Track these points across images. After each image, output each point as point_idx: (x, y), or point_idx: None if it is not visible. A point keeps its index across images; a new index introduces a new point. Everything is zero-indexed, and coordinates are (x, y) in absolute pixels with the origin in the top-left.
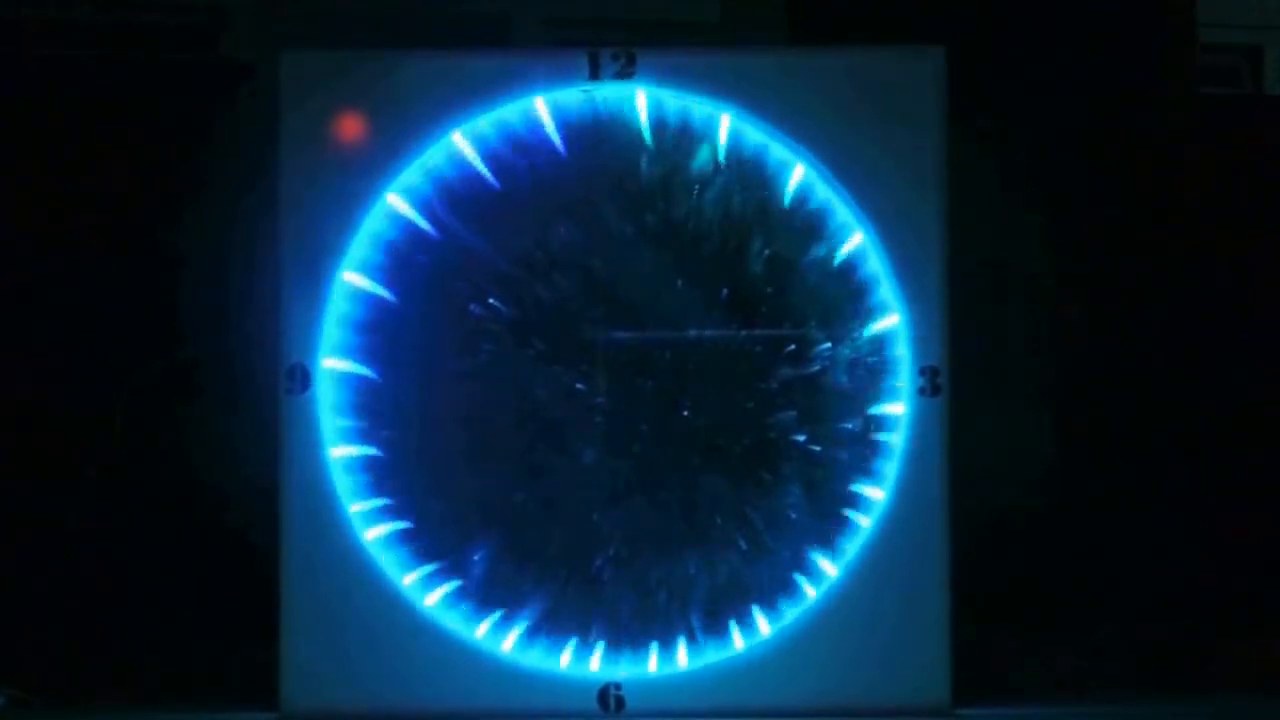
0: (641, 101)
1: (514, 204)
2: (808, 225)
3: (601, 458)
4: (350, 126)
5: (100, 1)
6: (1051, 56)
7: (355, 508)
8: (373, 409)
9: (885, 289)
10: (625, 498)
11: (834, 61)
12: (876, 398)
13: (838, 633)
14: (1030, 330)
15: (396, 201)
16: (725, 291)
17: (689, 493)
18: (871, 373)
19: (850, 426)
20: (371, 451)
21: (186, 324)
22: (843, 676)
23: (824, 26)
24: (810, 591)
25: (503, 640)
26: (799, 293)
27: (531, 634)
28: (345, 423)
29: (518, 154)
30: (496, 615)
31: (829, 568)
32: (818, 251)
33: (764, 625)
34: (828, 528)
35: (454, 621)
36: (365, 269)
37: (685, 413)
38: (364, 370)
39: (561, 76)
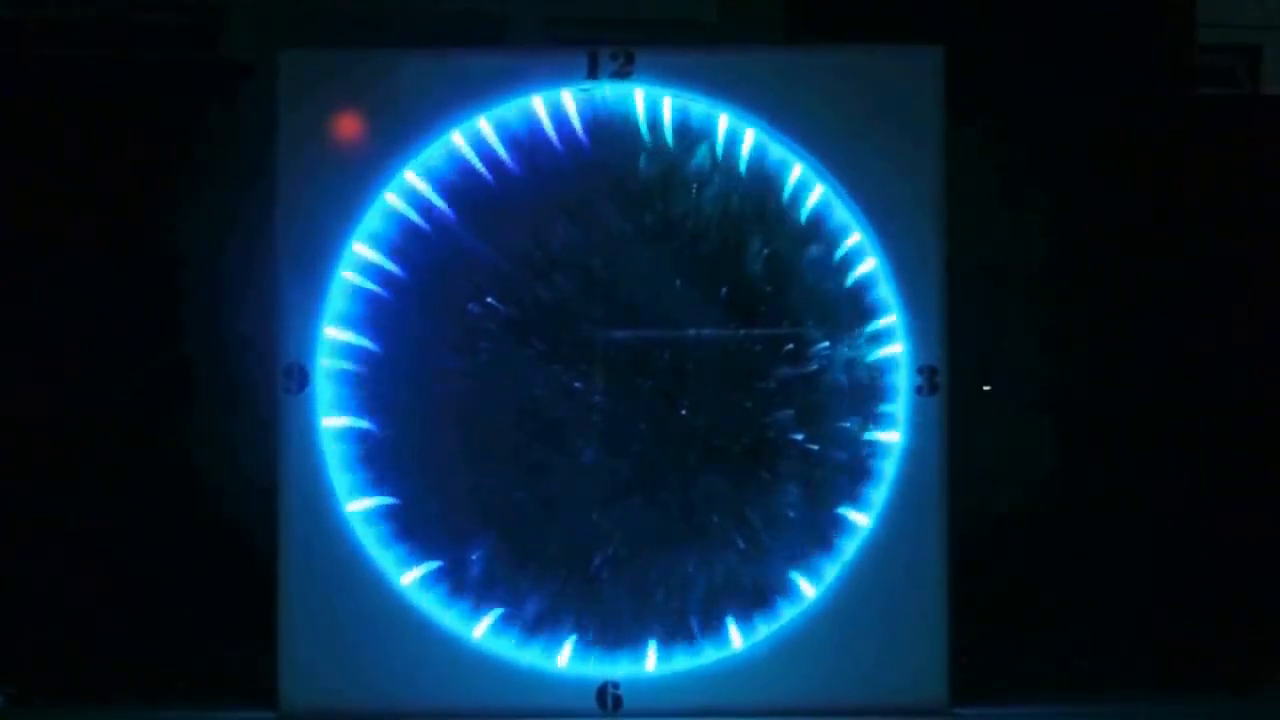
0: (640, 101)
1: (512, 203)
2: (806, 225)
3: (600, 457)
4: (349, 126)
5: (100, 1)
6: (1050, 56)
7: (353, 507)
8: (371, 408)
9: (884, 288)
10: (624, 497)
11: (833, 61)
12: (875, 397)
13: (835, 632)
14: (1029, 329)
15: (395, 201)
16: (724, 291)
17: (687, 492)
18: (870, 372)
19: (848, 425)
20: (370, 450)
21: (185, 323)
22: (840, 675)
23: (822, 26)
24: (808, 590)
25: (501, 639)
26: (798, 292)
27: (530, 633)
28: (343, 422)
29: (516, 153)
30: (495, 614)
31: (827, 567)
32: (816, 251)
33: (761, 625)
34: (826, 527)
35: (452, 620)
36: (363, 268)
37: (684, 412)
38: (362, 369)
39: (560, 76)
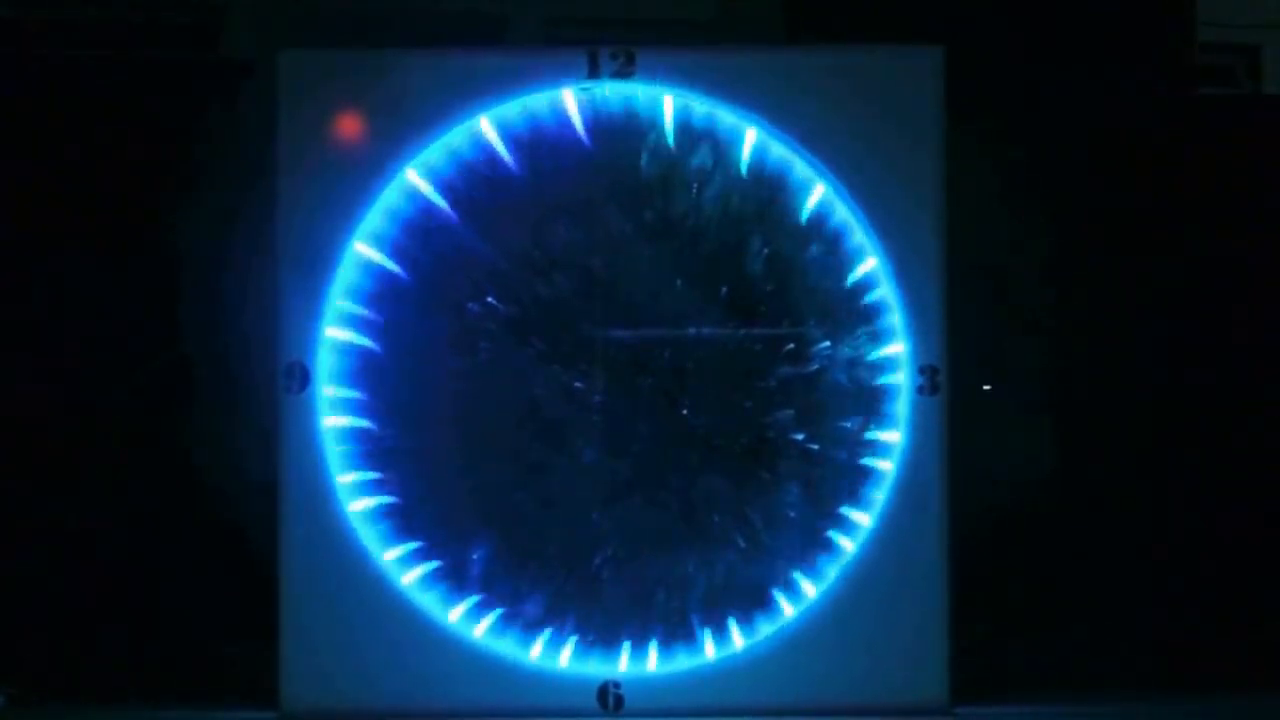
0: (641, 100)
1: (513, 203)
2: (807, 224)
3: (600, 456)
4: (349, 126)
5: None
6: (1050, 56)
7: (354, 506)
8: (371, 408)
9: (884, 288)
10: (624, 496)
11: (833, 60)
12: (875, 396)
13: (836, 631)
14: (1029, 329)
15: (395, 200)
16: (724, 290)
17: (688, 492)
18: (870, 371)
19: (849, 425)
20: (370, 450)
21: (185, 323)
22: (841, 675)
23: (822, 25)
24: (809, 590)
25: (502, 639)
26: (798, 291)
27: (531, 632)
28: (344, 421)
29: (517, 153)
30: (496, 614)
31: (827, 567)
32: (817, 250)
33: (763, 624)
34: (826, 527)
35: (453, 620)
36: (364, 268)
37: (684, 411)
38: (363, 369)
39: (561, 75)
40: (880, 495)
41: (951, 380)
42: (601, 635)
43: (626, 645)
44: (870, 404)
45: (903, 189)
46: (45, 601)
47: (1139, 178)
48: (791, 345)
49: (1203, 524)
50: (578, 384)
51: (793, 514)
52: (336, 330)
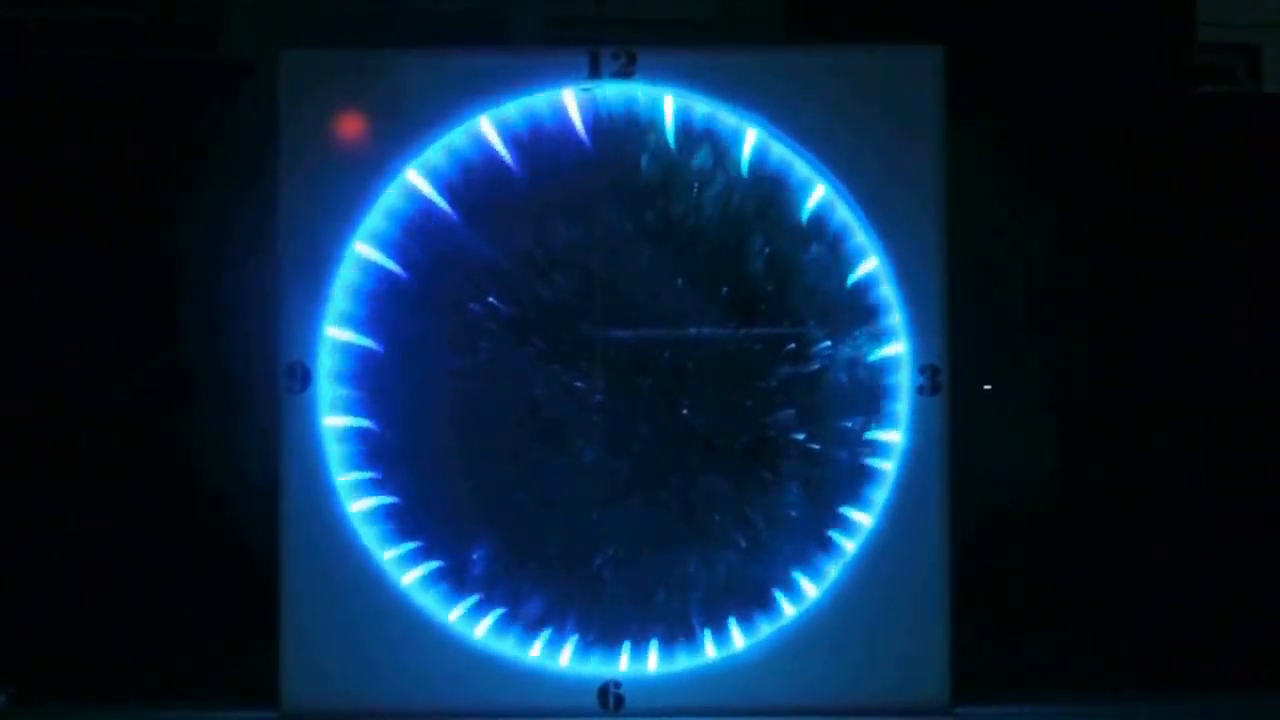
0: (641, 100)
1: (513, 203)
2: (807, 224)
3: (601, 456)
4: (350, 126)
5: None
6: (1051, 56)
7: (354, 506)
8: (372, 408)
9: (885, 287)
10: (624, 496)
11: (833, 61)
12: (876, 396)
13: (837, 631)
14: (1030, 329)
15: (396, 200)
16: (725, 290)
17: (688, 491)
18: (871, 371)
19: (850, 425)
20: (371, 450)
21: (186, 323)
22: (842, 674)
23: (822, 25)
24: (810, 590)
25: (502, 639)
26: (799, 291)
27: (531, 632)
28: (345, 421)
29: (517, 153)
30: (496, 614)
31: (828, 567)
32: (817, 250)
33: (763, 624)
34: (827, 526)
35: (453, 620)
36: (365, 268)
37: (684, 411)
38: (363, 368)
39: (561, 75)
40: (881, 495)
41: (952, 380)
42: (602, 635)
43: (627, 645)
44: (871, 404)
45: (903, 189)
46: (45, 601)
47: (1139, 177)
48: (792, 345)
49: (1203, 524)
50: (578, 384)
51: (793, 514)
52: (337, 330)
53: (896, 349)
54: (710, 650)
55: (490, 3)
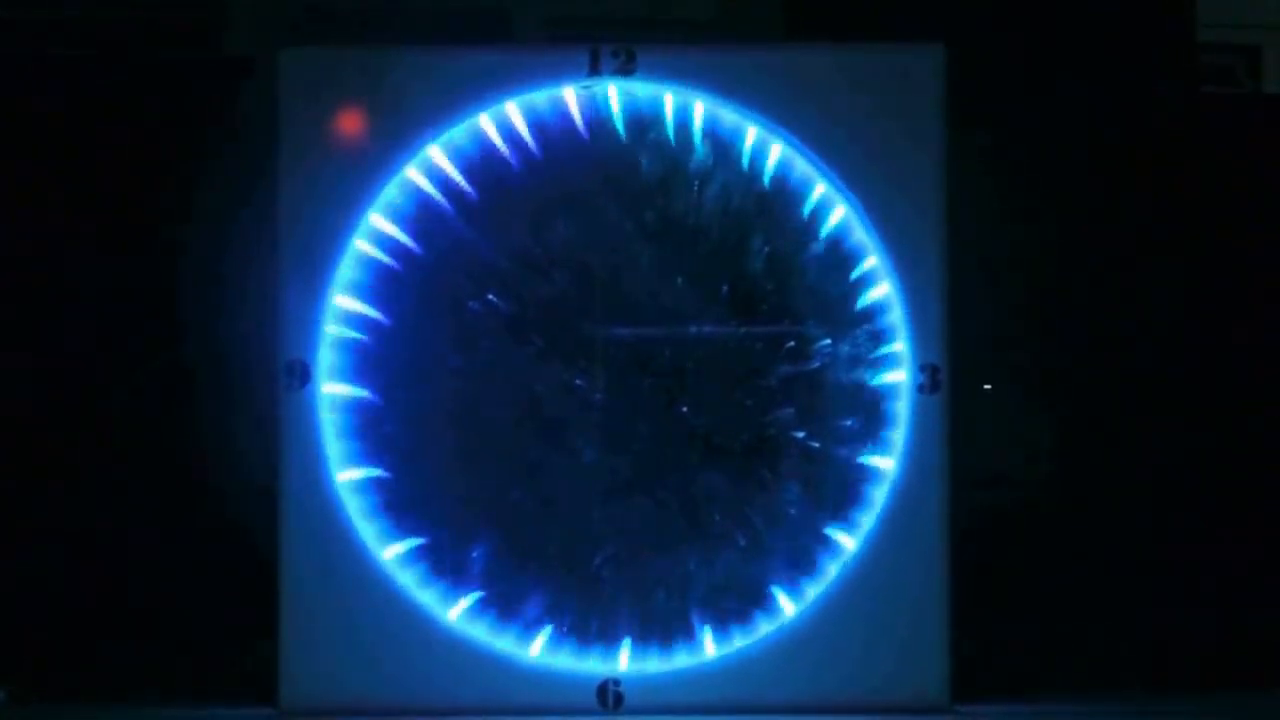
0: (641, 98)
1: (513, 200)
2: (807, 222)
3: (600, 455)
4: (350, 124)
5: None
6: (1051, 55)
7: (354, 504)
8: (372, 405)
9: (885, 286)
10: (624, 495)
11: (834, 59)
12: (876, 395)
13: (837, 629)
14: (1030, 328)
15: (396, 198)
16: (725, 288)
17: (688, 490)
18: (871, 370)
19: (850, 424)
20: (371, 448)
21: (186, 321)
22: (842, 673)
23: (822, 24)
24: (809, 589)
25: (501, 636)
26: (798, 289)
27: (530, 630)
28: (344, 419)
29: (517, 151)
30: (496, 612)
31: (828, 565)
32: (817, 248)
33: (763, 622)
34: (827, 525)
35: (453, 618)
36: (364, 265)
37: (684, 410)
38: (363, 366)
39: (561, 73)
40: (881, 494)
41: (952, 379)
42: (601, 633)
43: (626, 643)
44: (871, 402)
45: (903, 187)
46: (43, 599)
47: (1140, 177)
48: (792, 344)
49: (1203, 523)
50: (578, 382)
51: (793, 512)
52: (337, 328)
53: (896, 348)
54: (710, 648)
55: (491, 1)
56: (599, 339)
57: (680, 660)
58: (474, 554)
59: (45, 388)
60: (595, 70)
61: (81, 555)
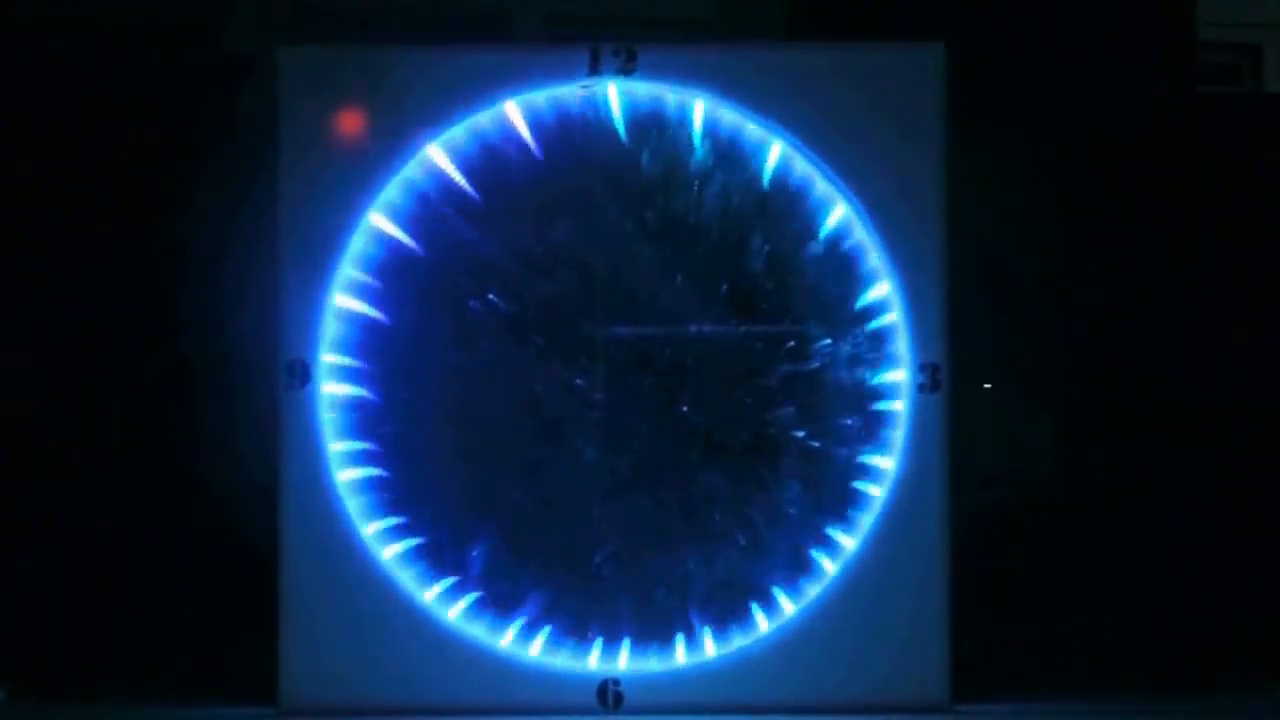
0: (642, 98)
1: (513, 200)
2: (807, 221)
3: (601, 454)
4: (349, 122)
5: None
6: (1052, 54)
7: (354, 503)
8: (372, 405)
9: (885, 285)
10: (624, 494)
11: (834, 58)
12: (876, 394)
13: (837, 629)
14: (1030, 327)
15: (396, 197)
16: (725, 287)
17: (688, 489)
18: (871, 369)
19: (850, 423)
20: (371, 447)
21: (187, 320)
22: (842, 672)
23: (823, 23)
24: (810, 588)
25: (502, 636)
26: (799, 289)
27: (531, 630)
28: (344, 418)
29: (518, 150)
30: (496, 611)
31: (828, 564)
32: (817, 248)
33: (763, 622)
34: (827, 524)
35: (453, 617)
36: (365, 265)
37: (684, 409)
38: (363, 366)
39: (562, 72)
40: (881, 493)
41: (952, 378)
42: (601, 632)
43: (626, 642)
44: (871, 402)
45: (904, 186)
46: (44, 598)
47: (1140, 176)
48: (792, 343)
49: (1203, 522)
50: (578, 381)
51: (793, 512)
52: (338, 327)
53: (897, 347)
54: (710, 648)
55: (490, 0)
56: (599, 338)
57: (680, 660)
58: (474, 553)
59: (45, 387)
60: (596, 70)
61: (81, 555)
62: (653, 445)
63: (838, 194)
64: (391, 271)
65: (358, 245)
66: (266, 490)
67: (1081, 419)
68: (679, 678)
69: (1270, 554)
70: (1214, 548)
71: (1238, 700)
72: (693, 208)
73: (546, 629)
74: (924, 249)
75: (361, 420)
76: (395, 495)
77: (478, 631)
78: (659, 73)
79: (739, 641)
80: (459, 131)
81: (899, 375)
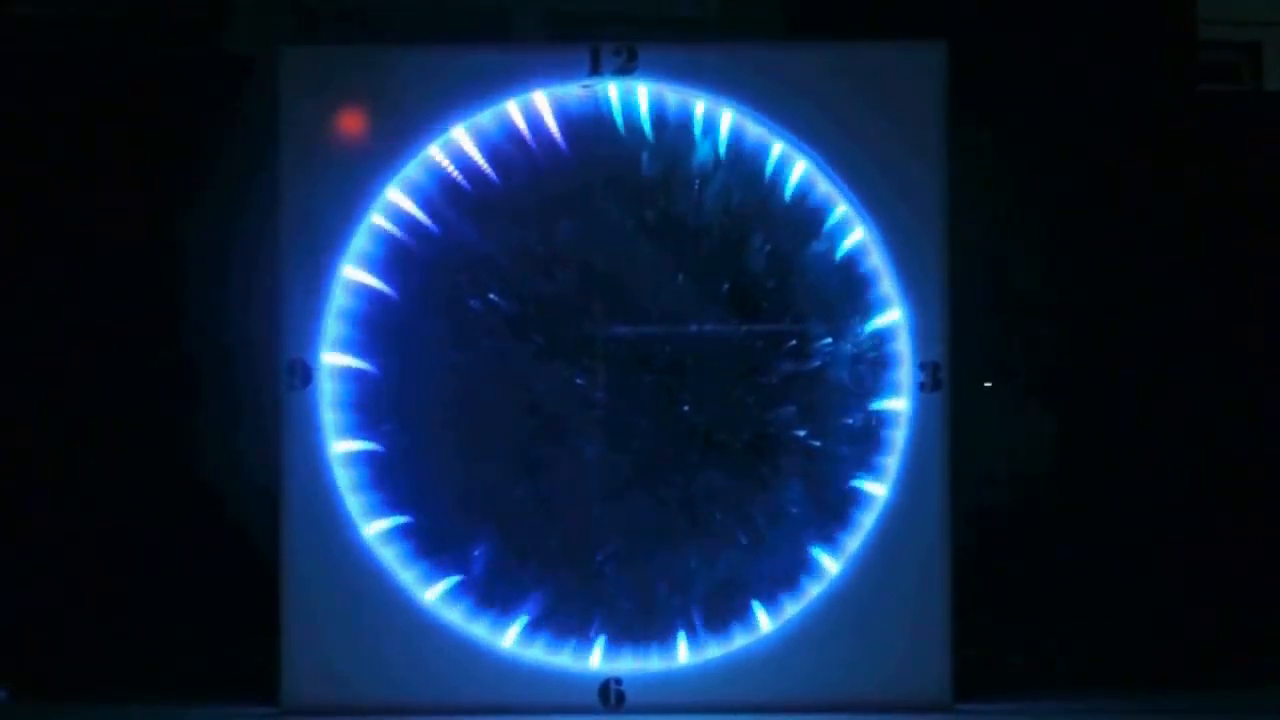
0: (643, 96)
1: (514, 199)
2: (809, 220)
3: (602, 453)
4: (350, 122)
5: None
6: (1052, 52)
7: (356, 503)
8: (373, 404)
9: (886, 284)
10: (625, 493)
11: (835, 56)
12: (877, 393)
13: (838, 628)
14: (1031, 325)
15: (397, 196)
16: (726, 286)
17: (689, 488)
18: (873, 368)
19: (851, 422)
20: (372, 446)
21: (188, 320)
22: (844, 671)
23: (823, 21)
24: (811, 587)
25: (503, 635)
26: (800, 288)
27: (532, 629)
28: (346, 418)
29: (518, 149)
30: (497, 610)
31: (829, 563)
32: (819, 246)
33: (764, 620)
34: (828, 523)
35: (454, 617)
36: (366, 264)
37: (685, 408)
38: (364, 365)
39: (563, 71)
40: (882, 492)
41: (953, 377)
42: (603, 631)
43: (628, 642)
44: (872, 400)
45: (904, 184)
46: (46, 598)
47: (1141, 174)
48: (793, 342)
49: (1204, 521)
50: (579, 380)
51: (794, 510)
52: (339, 327)
53: (898, 346)
54: (712, 647)
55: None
56: (600, 337)
57: (682, 659)
58: (475, 553)
59: (46, 387)
60: (597, 69)
61: (82, 555)
62: (654, 444)
63: (839, 193)
64: (392, 270)
65: (358, 244)
66: (268, 490)
67: (1082, 417)
68: (680, 677)
69: (1270, 554)
70: (1214, 547)
71: (1238, 699)
72: (693, 206)
73: (548, 628)
74: (925, 248)
75: (362, 420)
76: (396, 495)
77: (479, 631)
78: (660, 71)
79: (741, 640)
80: (460, 131)
81: (900, 374)
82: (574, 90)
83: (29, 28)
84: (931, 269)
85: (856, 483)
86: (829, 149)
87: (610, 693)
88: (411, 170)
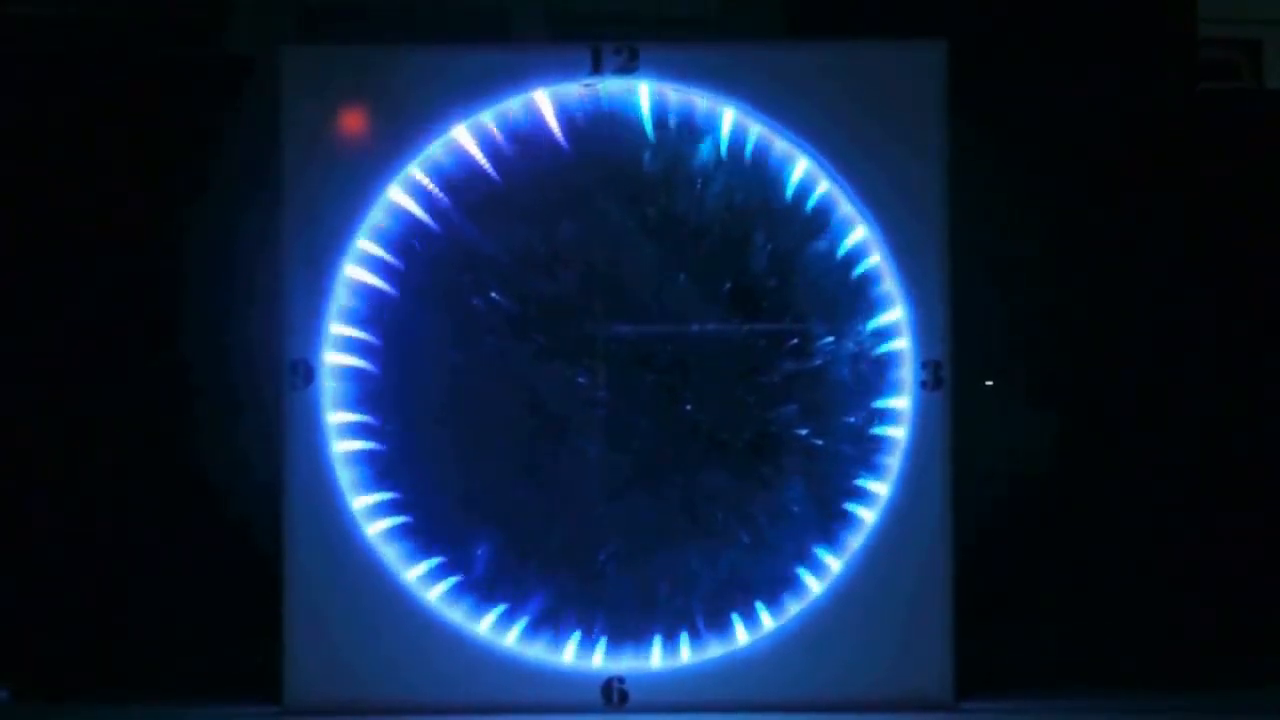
0: (644, 96)
1: (516, 198)
2: (810, 219)
3: (603, 452)
4: (352, 121)
5: None
6: (1052, 51)
7: (358, 502)
8: (375, 404)
9: (888, 283)
10: (627, 492)
11: (836, 55)
12: (879, 392)
13: (840, 626)
14: (1033, 324)
15: (399, 196)
16: (727, 286)
17: (691, 487)
18: (874, 367)
19: (853, 420)
20: (374, 446)
21: (190, 320)
22: (846, 670)
23: (824, 21)
24: (813, 585)
25: (505, 634)
26: (801, 287)
27: (534, 628)
28: (348, 417)
29: (520, 149)
30: (499, 609)
31: (831, 562)
32: (820, 245)
33: (767, 619)
34: (830, 522)
35: (457, 616)
36: (368, 264)
37: (687, 407)
38: (366, 365)
39: (564, 71)
40: (884, 490)
41: (955, 375)
42: (605, 630)
43: (630, 641)
44: (874, 399)
45: (906, 183)
46: (47, 598)
47: (1141, 173)
48: (795, 340)
49: (1205, 520)
50: (581, 379)
51: (796, 509)
52: (341, 326)
53: (899, 345)
54: (714, 646)
55: None
56: (601, 336)
57: (684, 657)
58: (477, 552)
59: (47, 387)
60: (598, 68)
61: (83, 554)
62: (655, 444)
63: (840, 192)
64: (394, 270)
65: (360, 244)
66: (270, 490)
67: (1084, 415)
68: (683, 675)
69: (1270, 554)
70: (1214, 547)
71: (1238, 698)
72: (694, 206)
73: (550, 627)
74: (926, 246)
75: (365, 419)
76: (399, 494)
77: (482, 630)
78: (661, 71)
79: (743, 639)
80: (461, 131)
81: (902, 373)
82: (575, 90)
83: (29, 28)
84: (932, 268)
85: (858, 481)
86: (829, 148)
87: (613, 691)
88: (413, 170)
